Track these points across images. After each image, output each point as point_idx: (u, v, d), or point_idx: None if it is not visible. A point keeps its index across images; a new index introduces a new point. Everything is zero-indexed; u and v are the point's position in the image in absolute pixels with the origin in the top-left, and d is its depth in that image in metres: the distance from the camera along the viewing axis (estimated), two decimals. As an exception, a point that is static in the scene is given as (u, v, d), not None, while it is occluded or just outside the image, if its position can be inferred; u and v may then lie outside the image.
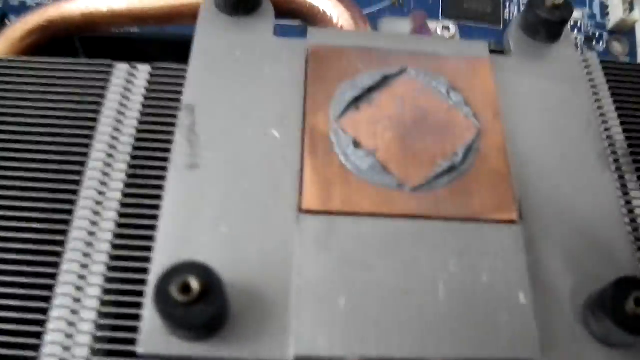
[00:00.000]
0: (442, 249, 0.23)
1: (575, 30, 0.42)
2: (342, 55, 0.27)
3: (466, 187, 0.24)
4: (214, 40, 0.28)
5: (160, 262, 0.22)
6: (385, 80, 0.26)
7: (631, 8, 0.40)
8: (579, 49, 0.42)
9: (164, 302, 0.20)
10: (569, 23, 0.31)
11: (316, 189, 0.23)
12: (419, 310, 0.21)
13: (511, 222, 0.24)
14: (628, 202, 0.29)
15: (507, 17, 0.41)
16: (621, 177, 0.30)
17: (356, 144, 0.24)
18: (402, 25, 0.33)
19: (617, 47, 0.41)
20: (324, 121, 0.25)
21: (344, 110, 0.25)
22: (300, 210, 0.23)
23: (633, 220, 0.28)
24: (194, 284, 0.20)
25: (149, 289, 0.21)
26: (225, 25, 0.29)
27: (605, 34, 0.42)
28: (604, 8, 0.43)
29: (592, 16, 0.42)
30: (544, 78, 0.29)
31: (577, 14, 0.42)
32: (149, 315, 0.21)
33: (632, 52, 0.41)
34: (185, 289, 0.20)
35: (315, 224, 0.23)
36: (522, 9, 0.42)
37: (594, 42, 0.42)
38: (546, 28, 0.29)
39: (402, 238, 0.23)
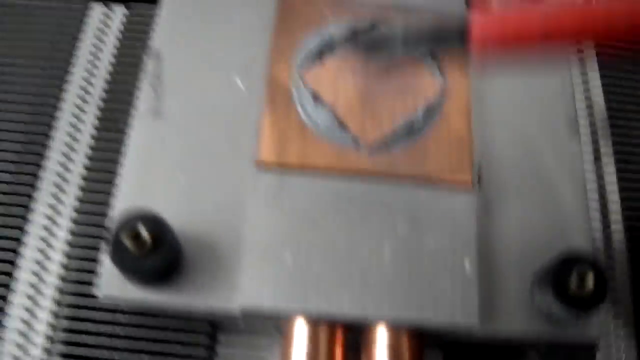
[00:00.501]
0: (392, 210, 0.23)
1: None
2: (311, 4, 0.26)
3: (424, 149, 0.24)
4: (185, -18, 0.27)
5: (119, 209, 0.23)
6: (353, 34, 0.26)
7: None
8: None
9: (117, 251, 0.21)
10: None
11: (273, 142, 0.24)
12: (363, 270, 0.22)
13: (465, 184, 0.23)
14: (599, 168, 0.28)
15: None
16: (595, 142, 0.29)
17: (316, 98, 0.24)
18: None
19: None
20: (286, 72, 0.25)
21: (307, 61, 0.25)
22: (256, 163, 0.23)
23: (602, 187, 0.28)
24: (144, 233, 0.21)
25: (106, 236, 0.22)
26: (197, -33, 0.28)
27: None
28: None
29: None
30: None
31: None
32: (107, 261, 0.22)
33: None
34: (137, 238, 0.21)
35: (268, 178, 0.23)
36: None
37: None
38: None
39: (353, 197, 0.23)
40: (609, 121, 0.29)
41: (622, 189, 0.28)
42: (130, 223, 0.21)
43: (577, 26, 0.18)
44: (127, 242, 0.21)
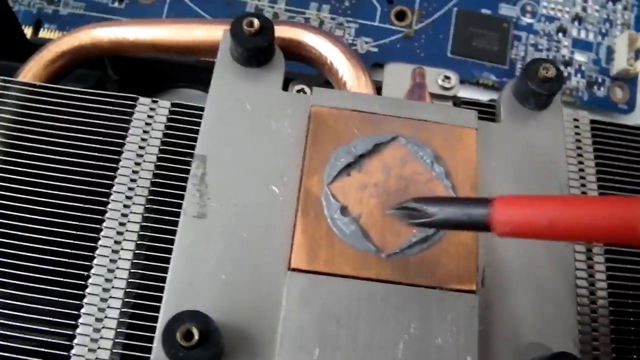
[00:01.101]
0: (407, 312, 0.26)
1: (579, 75, 0.43)
2: (340, 119, 0.30)
3: (435, 256, 0.27)
4: (228, 91, 0.31)
5: (168, 305, 0.26)
6: (376, 147, 0.29)
7: (636, 57, 0.42)
8: (580, 92, 0.43)
9: (169, 344, 0.24)
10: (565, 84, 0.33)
11: (304, 249, 0.27)
12: (379, 364, 0.26)
13: (470, 291, 0.27)
14: (590, 267, 0.32)
15: (514, 57, 0.43)
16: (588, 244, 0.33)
17: (343, 211, 0.28)
18: (404, 73, 0.35)
19: (618, 94, 0.43)
20: (318, 184, 0.28)
21: (336, 175, 0.28)
22: (289, 267, 0.27)
23: (592, 284, 0.32)
24: (195, 331, 0.24)
25: (158, 329, 0.26)
26: (238, 76, 0.31)
27: (607, 80, 0.43)
28: (610, 53, 0.44)
29: (596, 61, 0.44)
30: (527, 146, 0.32)
31: (582, 57, 0.44)
32: (157, 351, 0.25)
33: (630, 102, 0.43)
34: (188, 334, 0.24)
35: (300, 281, 0.27)
36: (528, 50, 0.44)
37: (595, 88, 0.43)
38: (535, 98, 0.32)
39: (373, 300, 0.27)
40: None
41: (610, 287, 0.31)
42: (182, 320, 0.25)
43: (608, 233, 0.20)
44: (179, 338, 0.24)
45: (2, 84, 0.33)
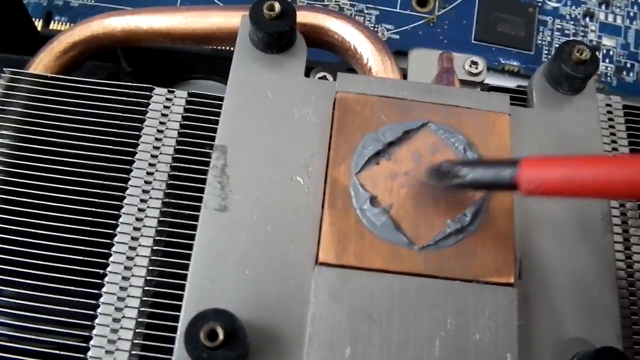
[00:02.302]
0: (442, 307, 0.25)
1: (607, 60, 0.42)
2: (367, 105, 0.28)
3: (471, 247, 0.26)
4: (248, 78, 0.30)
5: (190, 303, 0.25)
6: (406, 134, 0.28)
7: (667, 39, 0.40)
8: (608, 78, 0.42)
9: (193, 344, 0.23)
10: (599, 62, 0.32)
11: (332, 242, 0.26)
12: (415, 362, 0.24)
13: (508, 284, 0.26)
14: (629, 258, 0.30)
15: (540, 43, 0.42)
16: (625, 232, 0.31)
17: (373, 201, 0.26)
18: (429, 59, 0.33)
19: (649, 79, 0.41)
20: (345, 174, 0.27)
21: (364, 164, 0.27)
22: (317, 262, 0.25)
23: (630, 276, 0.30)
24: (220, 331, 0.23)
25: (180, 329, 0.24)
26: (259, 63, 0.30)
27: (636, 65, 0.42)
28: (639, 37, 0.42)
29: (625, 46, 0.42)
30: (561, 132, 0.30)
31: (610, 42, 0.42)
32: (179, 352, 0.24)
33: (661, 86, 0.41)
34: (212, 334, 0.23)
35: (329, 276, 0.25)
36: (554, 35, 0.42)
37: (624, 73, 0.42)
38: (569, 82, 0.30)
39: (406, 294, 0.25)
40: (638, 211, 0.31)
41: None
42: (206, 319, 0.23)
43: (629, 187, 0.21)
44: (203, 338, 0.23)
45: (13, 76, 0.32)
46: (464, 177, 0.25)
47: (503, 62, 0.41)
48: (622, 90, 0.42)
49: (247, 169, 0.28)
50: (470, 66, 0.34)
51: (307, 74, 0.31)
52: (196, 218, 0.27)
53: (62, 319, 0.28)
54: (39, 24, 0.42)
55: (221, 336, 0.23)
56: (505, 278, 0.26)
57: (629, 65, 0.42)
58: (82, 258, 0.29)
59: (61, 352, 0.27)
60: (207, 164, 0.28)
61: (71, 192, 0.30)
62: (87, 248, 0.29)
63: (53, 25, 0.42)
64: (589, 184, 0.22)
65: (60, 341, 0.27)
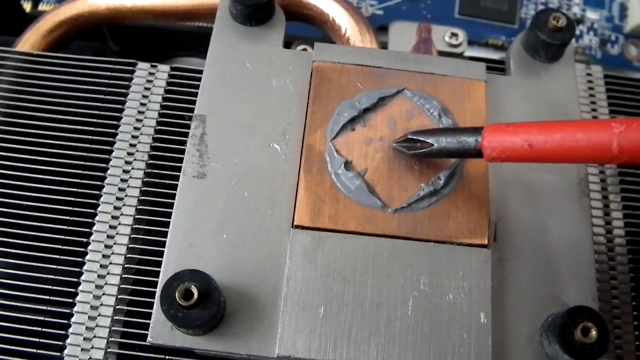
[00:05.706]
0: (415, 268, 0.25)
1: (591, 33, 0.42)
2: (343, 74, 0.29)
3: (445, 210, 0.26)
4: (227, 50, 0.30)
5: (168, 266, 0.25)
6: (381, 101, 0.28)
7: (651, 12, 0.40)
8: (592, 50, 0.42)
9: (168, 304, 0.24)
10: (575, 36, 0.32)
11: (308, 206, 0.26)
12: (388, 322, 0.24)
13: (482, 245, 0.26)
14: (608, 223, 0.31)
15: (524, 17, 0.42)
16: (605, 198, 0.31)
17: (347, 166, 0.27)
18: (410, 32, 0.34)
19: (633, 52, 0.41)
20: (321, 140, 0.27)
21: (340, 130, 0.27)
22: (293, 225, 0.26)
23: (610, 241, 0.30)
24: (194, 290, 0.24)
25: (158, 291, 0.25)
26: (238, 35, 0.30)
27: (621, 37, 0.42)
28: (623, 10, 0.42)
29: (609, 18, 0.42)
30: (538, 99, 0.30)
31: (594, 15, 0.42)
32: (157, 312, 0.24)
33: (646, 58, 0.41)
34: (187, 294, 0.24)
35: (304, 238, 0.26)
36: (538, 8, 0.42)
37: (608, 45, 0.42)
38: (546, 49, 0.30)
39: (380, 256, 0.25)
40: (618, 177, 0.31)
41: (629, 243, 0.30)
42: (181, 279, 0.24)
43: (586, 152, 0.21)
44: (178, 298, 0.24)
45: (0, 54, 0.33)
46: (431, 146, 0.25)
47: (486, 36, 0.41)
48: (607, 62, 0.42)
49: (225, 137, 0.28)
50: (450, 37, 0.34)
51: (287, 48, 0.31)
52: (177, 187, 0.27)
53: (47, 286, 0.28)
54: (27, 6, 0.42)
55: (196, 295, 0.23)
56: (478, 239, 0.26)
57: (613, 37, 0.42)
58: (66, 227, 0.29)
59: (45, 319, 0.28)
60: (188, 135, 0.28)
61: (55, 165, 0.30)
62: (71, 218, 0.29)
63: (42, 7, 0.42)
64: (550, 149, 0.22)
65: (44, 308, 0.28)
